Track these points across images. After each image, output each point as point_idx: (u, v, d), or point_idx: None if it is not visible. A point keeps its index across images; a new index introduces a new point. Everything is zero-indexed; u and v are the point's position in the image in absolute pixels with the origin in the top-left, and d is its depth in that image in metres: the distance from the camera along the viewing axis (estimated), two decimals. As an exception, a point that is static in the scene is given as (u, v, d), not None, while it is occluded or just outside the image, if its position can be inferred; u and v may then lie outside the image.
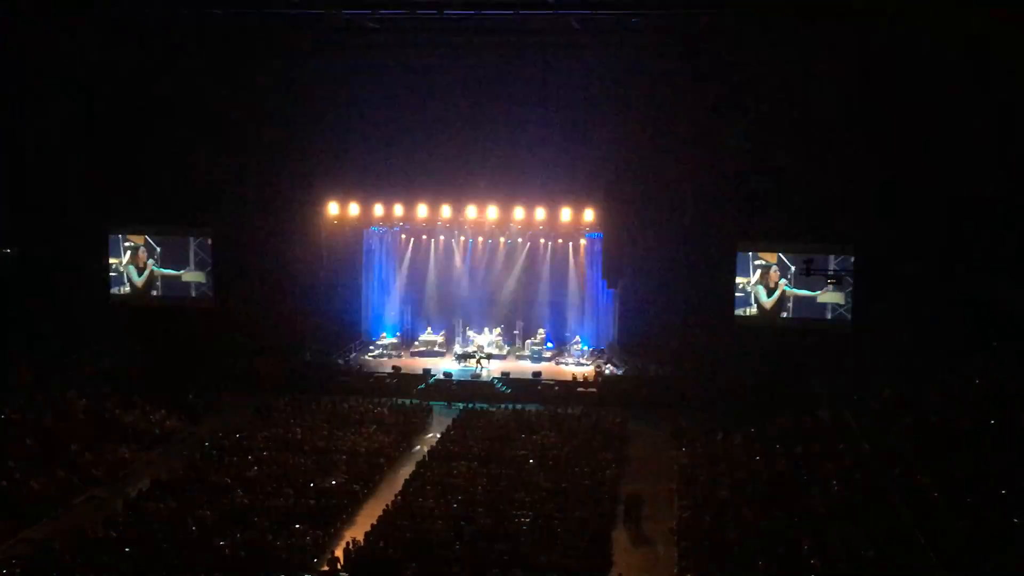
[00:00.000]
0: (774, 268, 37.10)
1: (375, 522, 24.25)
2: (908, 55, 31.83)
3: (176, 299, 41.55)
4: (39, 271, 39.87)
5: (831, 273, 34.44)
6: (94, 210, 39.80)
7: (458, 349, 41.72)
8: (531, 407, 35.04)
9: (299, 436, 30.91)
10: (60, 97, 37.55)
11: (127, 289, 41.36)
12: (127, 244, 41.08)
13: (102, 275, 41.16)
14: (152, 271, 41.03)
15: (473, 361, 39.70)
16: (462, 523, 23.80)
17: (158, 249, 41.05)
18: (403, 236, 43.83)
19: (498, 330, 42.48)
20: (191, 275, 41.05)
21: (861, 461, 26.00)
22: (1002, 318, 30.67)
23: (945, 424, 25.77)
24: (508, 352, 42.03)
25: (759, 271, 37.23)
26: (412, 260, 43.88)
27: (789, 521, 22.93)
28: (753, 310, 37.58)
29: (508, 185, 39.58)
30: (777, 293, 37.28)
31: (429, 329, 43.21)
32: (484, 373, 39.02)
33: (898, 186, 33.65)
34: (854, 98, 34.19)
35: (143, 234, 41.21)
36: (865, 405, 29.88)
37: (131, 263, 41.13)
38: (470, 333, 42.61)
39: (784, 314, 37.55)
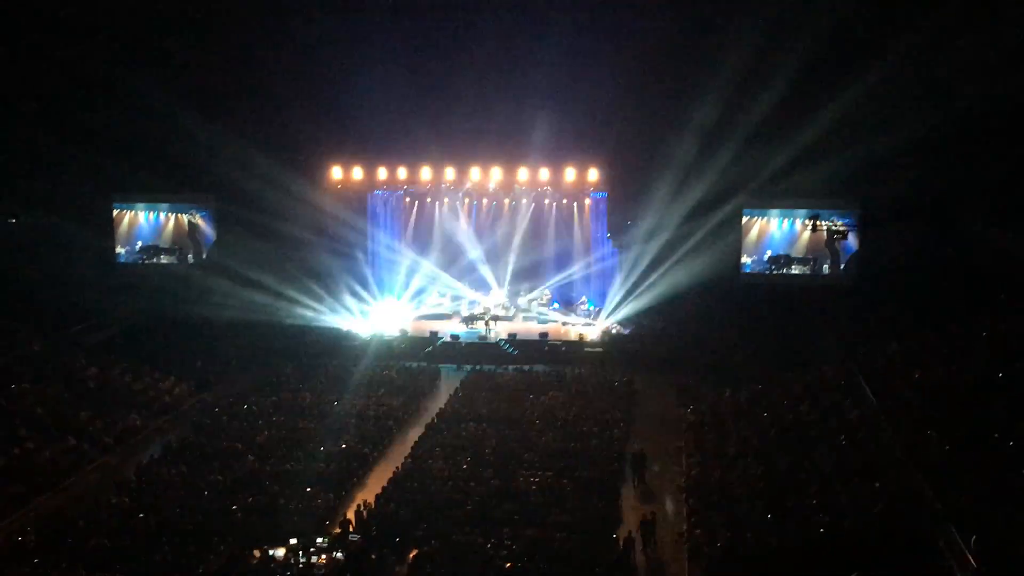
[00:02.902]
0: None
1: (385, 484, 24.41)
2: (902, 14, 31.64)
3: (182, 266, 41.78)
4: (46, 240, 39.89)
5: (837, 229, 34.38)
6: (98, 180, 39.76)
7: (464, 311, 41.73)
8: (538, 368, 35.15)
9: (308, 401, 31.05)
10: (62, 67, 37.32)
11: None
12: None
13: (109, 243, 41.28)
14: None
15: (480, 323, 39.71)
16: (471, 484, 23.96)
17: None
18: (407, 199, 43.70)
19: (504, 291, 42.46)
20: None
21: (868, 417, 26.02)
22: (1008, 271, 30.56)
23: (952, 378, 25.75)
24: (514, 313, 42.04)
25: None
26: (417, 223, 43.79)
27: (796, 477, 23.01)
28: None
29: (512, 146, 39.41)
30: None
31: (435, 292, 43.22)
32: (491, 335, 39.05)
33: (902, 142, 33.39)
34: (858, 54, 33.88)
35: (147, 202, 41.40)
36: (872, 360, 29.84)
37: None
38: (476, 295, 42.61)
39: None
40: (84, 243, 40.65)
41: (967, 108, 30.81)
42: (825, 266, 38.09)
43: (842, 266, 37.63)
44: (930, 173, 33.33)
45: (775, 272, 38.26)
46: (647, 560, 21.04)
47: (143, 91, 37.66)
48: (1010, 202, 31.55)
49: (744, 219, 38.06)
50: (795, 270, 38.36)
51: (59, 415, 28.71)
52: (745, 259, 38.21)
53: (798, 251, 38.21)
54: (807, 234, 37.70)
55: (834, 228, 35.86)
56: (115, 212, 41.69)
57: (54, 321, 36.26)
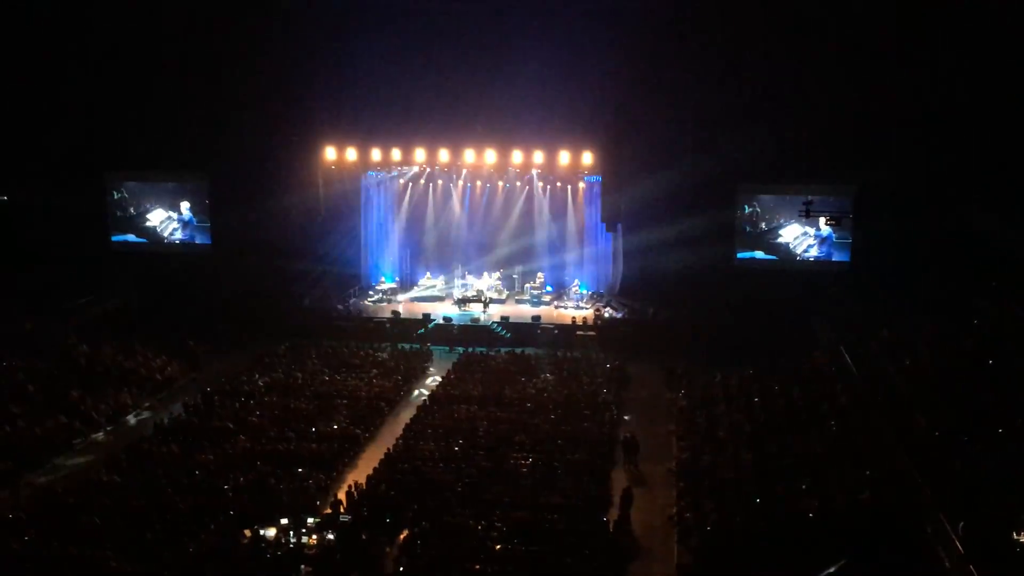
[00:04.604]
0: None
1: (377, 465, 24.46)
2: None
3: (174, 245, 41.75)
4: (39, 216, 39.79)
5: (831, 214, 34.38)
6: (91, 155, 39.61)
7: (457, 293, 41.69)
8: (530, 351, 35.19)
9: (300, 381, 31.08)
10: (54, 41, 37.11)
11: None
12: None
13: (102, 220, 41.24)
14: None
15: (474, 305, 39.70)
16: (463, 466, 24.02)
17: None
18: (401, 181, 43.58)
19: (497, 274, 42.43)
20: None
21: (859, 402, 26.11)
22: (1001, 258, 30.62)
23: (943, 364, 25.84)
24: (507, 296, 42.04)
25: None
26: (410, 205, 43.68)
27: (787, 461, 23.09)
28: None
29: (506, 128, 39.27)
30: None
31: (428, 274, 43.21)
32: (483, 317, 39.02)
33: (897, 126, 33.38)
34: (853, 38, 33.84)
35: (141, 180, 41.38)
36: (863, 346, 29.92)
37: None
38: (469, 277, 42.58)
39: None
40: (77, 220, 40.51)
41: (963, 93, 30.80)
42: (814, 250, 38.12)
43: (833, 254, 37.72)
44: (925, 159, 33.35)
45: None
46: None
47: (137, 68, 37.46)
48: (1004, 188, 31.58)
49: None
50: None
51: (50, 392, 28.73)
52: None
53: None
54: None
55: (827, 213, 35.80)
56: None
57: (45, 297, 36.16)
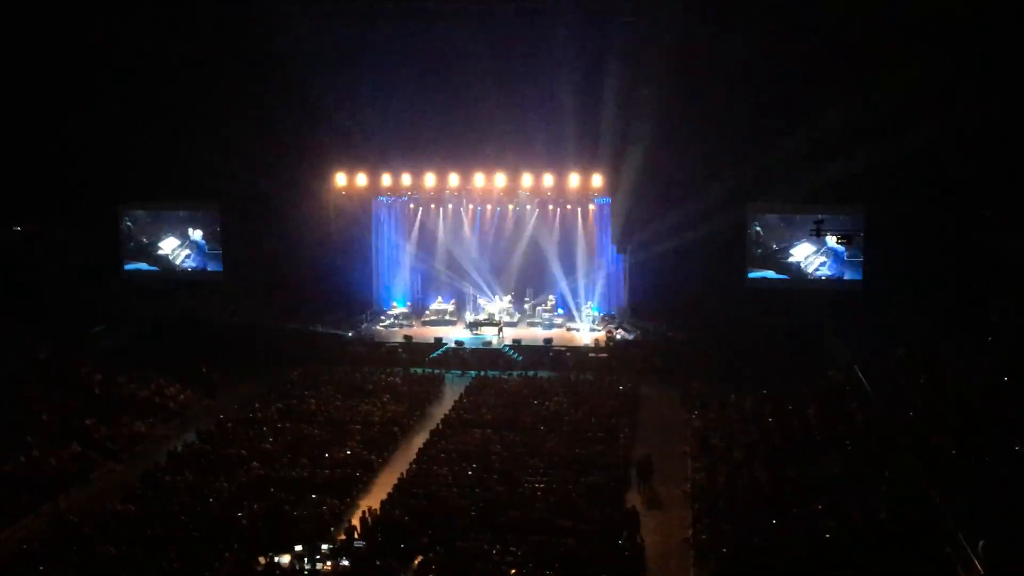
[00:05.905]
0: None
1: (390, 491, 24.37)
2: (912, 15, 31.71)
3: (185, 273, 41.90)
4: (51, 247, 39.98)
5: (842, 233, 34.34)
6: (103, 185, 39.80)
7: (469, 317, 41.68)
8: (543, 374, 35.12)
9: (313, 407, 31.05)
10: (65, 71, 37.33)
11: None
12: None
13: (115, 249, 41.44)
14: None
15: (486, 328, 39.66)
16: (477, 490, 23.93)
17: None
18: (412, 206, 43.70)
19: (508, 297, 42.41)
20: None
21: (875, 421, 25.97)
22: (1016, 273, 30.47)
23: (959, 382, 25.69)
24: (519, 319, 42.00)
25: None
26: (421, 229, 43.77)
27: (803, 482, 22.96)
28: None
29: (515, 152, 39.38)
30: None
31: (440, 298, 43.22)
32: (496, 341, 38.97)
33: (909, 143, 33.31)
34: (862, 57, 33.84)
35: (152, 208, 41.56)
36: (878, 365, 29.77)
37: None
38: (481, 301, 42.58)
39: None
40: (89, 249, 40.69)
41: (974, 109, 30.71)
42: (826, 268, 38.02)
43: (845, 273, 37.66)
44: (936, 175, 33.27)
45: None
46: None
47: (147, 98, 37.66)
48: (1017, 203, 31.46)
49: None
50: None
51: (65, 422, 28.77)
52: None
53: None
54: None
55: (838, 231, 35.72)
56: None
57: (60, 328, 36.27)
